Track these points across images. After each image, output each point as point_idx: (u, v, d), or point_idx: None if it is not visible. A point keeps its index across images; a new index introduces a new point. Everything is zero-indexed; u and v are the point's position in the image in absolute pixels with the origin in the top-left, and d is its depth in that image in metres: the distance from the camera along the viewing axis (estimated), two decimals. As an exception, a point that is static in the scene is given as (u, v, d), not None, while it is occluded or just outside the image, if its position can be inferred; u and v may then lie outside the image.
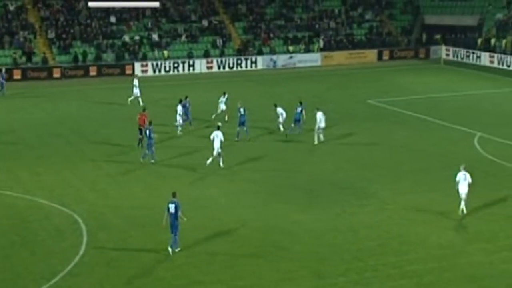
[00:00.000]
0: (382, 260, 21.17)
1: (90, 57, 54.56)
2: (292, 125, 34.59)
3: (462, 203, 24.61)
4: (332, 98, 39.92)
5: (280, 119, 35.12)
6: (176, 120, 35.31)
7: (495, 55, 57.05)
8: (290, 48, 59.26)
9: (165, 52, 56.07)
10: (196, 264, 21.03)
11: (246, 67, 57.01)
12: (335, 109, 39.89)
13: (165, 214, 21.72)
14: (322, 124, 33.38)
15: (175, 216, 21.55)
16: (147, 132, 30.74)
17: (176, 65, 55.20)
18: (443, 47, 61.06)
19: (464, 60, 59.18)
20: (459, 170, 25.00)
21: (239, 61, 57.04)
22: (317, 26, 61.96)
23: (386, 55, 60.90)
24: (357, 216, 24.81)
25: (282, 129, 35.14)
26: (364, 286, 19.74)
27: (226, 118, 37.11)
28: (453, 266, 20.83)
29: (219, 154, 29.69)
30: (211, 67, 56.15)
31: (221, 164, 29.88)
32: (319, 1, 64.67)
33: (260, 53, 58.33)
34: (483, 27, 61.96)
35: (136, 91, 42.02)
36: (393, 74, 54.22)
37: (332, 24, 62.47)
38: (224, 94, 38.61)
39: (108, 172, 29.67)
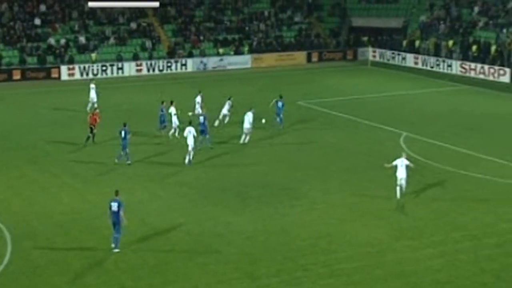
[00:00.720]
0: (312, 260, 21.42)
1: (13, 60, 53.25)
2: (278, 119, 36.80)
3: (398, 188, 25.61)
4: (263, 100, 40.16)
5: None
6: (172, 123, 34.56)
7: (419, 56, 58.53)
8: (220, 50, 59.31)
9: (93, 55, 55.22)
10: (126, 270, 20.78)
11: (176, 69, 56.71)
12: (265, 111, 40.10)
13: (108, 213, 21.74)
14: (247, 125, 33.67)
15: (117, 214, 21.58)
16: (122, 132, 30.70)
17: (104, 68, 54.41)
18: (370, 49, 62.28)
19: (390, 62, 60.51)
20: (398, 157, 26.06)
21: (169, 64, 56.70)
22: (246, 28, 62.22)
23: (315, 57, 61.66)
24: (288, 217, 25.04)
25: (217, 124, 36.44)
26: (295, 286, 19.93)
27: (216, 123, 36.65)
28: (381, 263, 21.25)
29: (192, 149, 30.50)
30: (141, 70, 55.61)
31: (186, 160, 30.50)
32: (249, 4, 64.97)
33: (190, 55, 58.15)
34: (408, 29, 63.56)
35: (93, 95, 40.47)
36: (322, 75, 54.96)
37: (262, 27, 62.85)
38: (230, 98, 37.44)
39: (34, 179, 29.00)
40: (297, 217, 25.01)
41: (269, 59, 59.89)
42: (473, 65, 54.22)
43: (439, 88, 49.89)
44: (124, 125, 31.09)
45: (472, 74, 53.95)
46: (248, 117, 33.90)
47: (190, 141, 30.42)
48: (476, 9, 59.71)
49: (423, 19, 62.48)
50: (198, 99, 38.12)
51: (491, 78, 52.60)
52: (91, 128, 33.65)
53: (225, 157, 32.26)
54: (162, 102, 35.61)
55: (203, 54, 58.48)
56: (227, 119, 37.39)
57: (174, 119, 34.39)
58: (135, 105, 43.34)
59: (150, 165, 30.94)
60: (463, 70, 54.76)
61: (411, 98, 46.69)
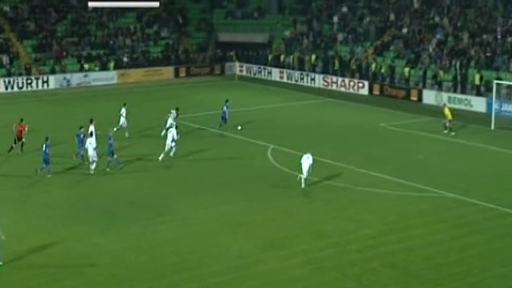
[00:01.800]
0: (185, 275, 21.80)
1: None
2: (221, 123, 39.98)
3: (302, 176, 29.77)
4: (130, 116, 40.11)
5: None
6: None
7: (285, 70, 60.56)
8: (85, 66, 58.47)
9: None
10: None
11: (37, 86, 55.19)
12: (132, 127, 40.10)
13: None
14: (169, 141, 33.92)
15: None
16: (44, 147, 30.85)
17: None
18: (237, 64, 63.65)
19: (257, 76, 62.16)
20: (305, 153, 30.27)
21: (29, 81, 55.09)
22: (111, 43, 61.74)
23: (182, 72, 62.17)
24: (160, 233, 25.30)
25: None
26: (169, 302, 20.21)
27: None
28: (252, 275, 21.97)
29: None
30: (-2, 87, 53.71)
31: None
32: (114, 18, 64.51)
33: (52, 71, 56.87)
34: (273, 44, 65.59)
35: None
36: (190, 90, 55.58)
37: (128, 42, 62.59)
38: (177, 108, 39.63)
39: None
40: (169, 233, 25.33)
41: (136, 74, 59.74)
42: (334, 78, 56.78)
43: (303, 101, 51.88)
44: (46, 139, 31.22)
45: (334, 87, 56.50)
46: (172, 133, 34.17)
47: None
48: (335, 26, 62.62)
49: (287, 34, 64.73)
50: (123, 111, 38.93)
51: (351, 90, 55.32)
52: (15, 139, 34.79)
53: (88, 176, 31.91)
54: (81, 128, 33.71)
55: (64, 70, 57.29)
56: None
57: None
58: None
59: (14, 187, 30.19)
60: (326, 84, 57.22)
61: (277, 111, 48.25)
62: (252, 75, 62.42)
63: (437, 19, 57.38)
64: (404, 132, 40.99)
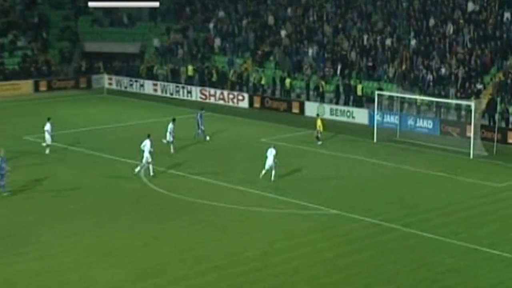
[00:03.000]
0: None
1: None
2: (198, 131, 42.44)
3: (264, 172, 34.10)
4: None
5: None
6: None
7: (158, 83, 60.31)
8: None
9: None
10: None
11: None
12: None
13: None
14: (147, 154, 35.04)
15: None
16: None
17: None
18: (106, 76, 62.74)
19: (128, 89, 61.52)
20: (269, 147, 34.66)
21: None
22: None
23: (43, 86, 60.39)
24: (15, 266, 24.26)
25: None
26: None
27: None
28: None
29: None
30: None
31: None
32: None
33: None
34: (145, 55, 65.15)
35: None
36: (52, 106, 54.07)
37: (-18, 53, 60.32)
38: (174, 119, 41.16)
39: None
40: (26, 266, 24.34)
41: (-12, 89, 57.51)
42: (212, 91, 57.17)
43: (180, 116, 51.65)
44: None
45: (212, 100, 56.85)
46: (147, 146, 34.75)
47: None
48: (212, 31, 63.04)
49: (160, 44, 64.54)
50: (47, 127, 39.30)
51: (230, 103, 55.87)
52: None
53: None
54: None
55: None
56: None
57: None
58: None
59: None
60: (203, 97, 57.45)
61: (151, 127, 47.80)
62: (123, 88, 61.72)
63: (316, 24, 59.01)
64: (287, 146, 41.79)
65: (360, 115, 49.32)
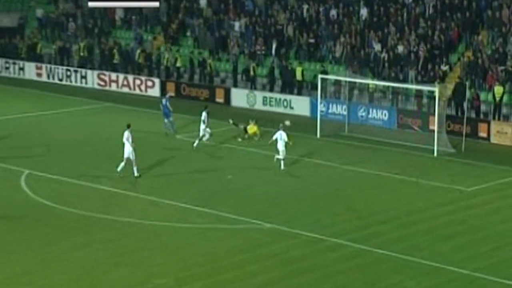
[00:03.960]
0: None
1: None
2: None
3: (279, 157, 37.47)
4: None
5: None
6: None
7: (43, 65, 59.62)
8: None
9: None
10: None
11: None
12: None
13: None
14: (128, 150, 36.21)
15: None
16: None
17: None
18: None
19: (3, 73, 60.72)
20: (277, 130, 37.50)
21: None
22: None
23: None
24: None
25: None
26: None
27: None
28: None
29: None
30: None
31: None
32: None
33: None
34: (26, 29, 64.21)
35: None
36: None
37: None
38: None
39: None
40: None
41: None
42: (114, 75, 56.87)
43: (72, 108, 51.34)
44: None
45: (114, 87, 56.52)
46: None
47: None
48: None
49: (45, 14, 63.64)
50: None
51: (137, 91, 55.66)
52: None
53: None
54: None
55: None
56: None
57: None
58: None
59: None
60: (103, 83, 57.10)
61: (35, 122, 47.34)
62: (-3, 72, 60.88)
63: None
64: (208, 145, 41.87)
65: (300, 105, 49.82)
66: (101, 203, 32.91)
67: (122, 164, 36.13)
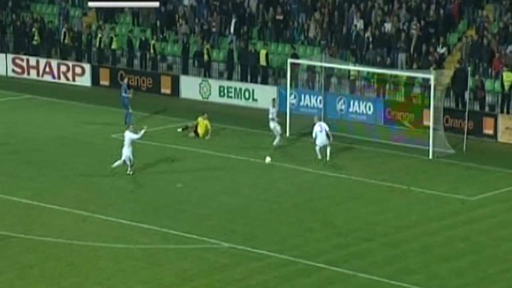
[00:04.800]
0: None
1: None
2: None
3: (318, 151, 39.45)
4: None
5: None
6: None
7: None
8: None
9: None
10: None
11: None
12: None
13: None
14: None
15: None
16: None
17: None
18: None
19: None
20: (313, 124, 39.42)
21: None
22: None
23: None
24: None
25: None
26: None
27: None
28: None
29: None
30: None
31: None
32: None
33: None
34: None
35: None
36: None
37: None
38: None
39: None
40: None
41: None
42: (33, 60, 56.62)
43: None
44: None
45: (33, 74, 56.32)
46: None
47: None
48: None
49: None
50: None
51: (63, 80, 55.50)
52: None
53: None
54: None
55: None
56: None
57: None
58: None
59: None
60: (19, 70, 56.90)
61: None
62: None
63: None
64: (152, 146, 41.87)
65: (265, 97, 49.82)
66: (18, 220, 32.79)
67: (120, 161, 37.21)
